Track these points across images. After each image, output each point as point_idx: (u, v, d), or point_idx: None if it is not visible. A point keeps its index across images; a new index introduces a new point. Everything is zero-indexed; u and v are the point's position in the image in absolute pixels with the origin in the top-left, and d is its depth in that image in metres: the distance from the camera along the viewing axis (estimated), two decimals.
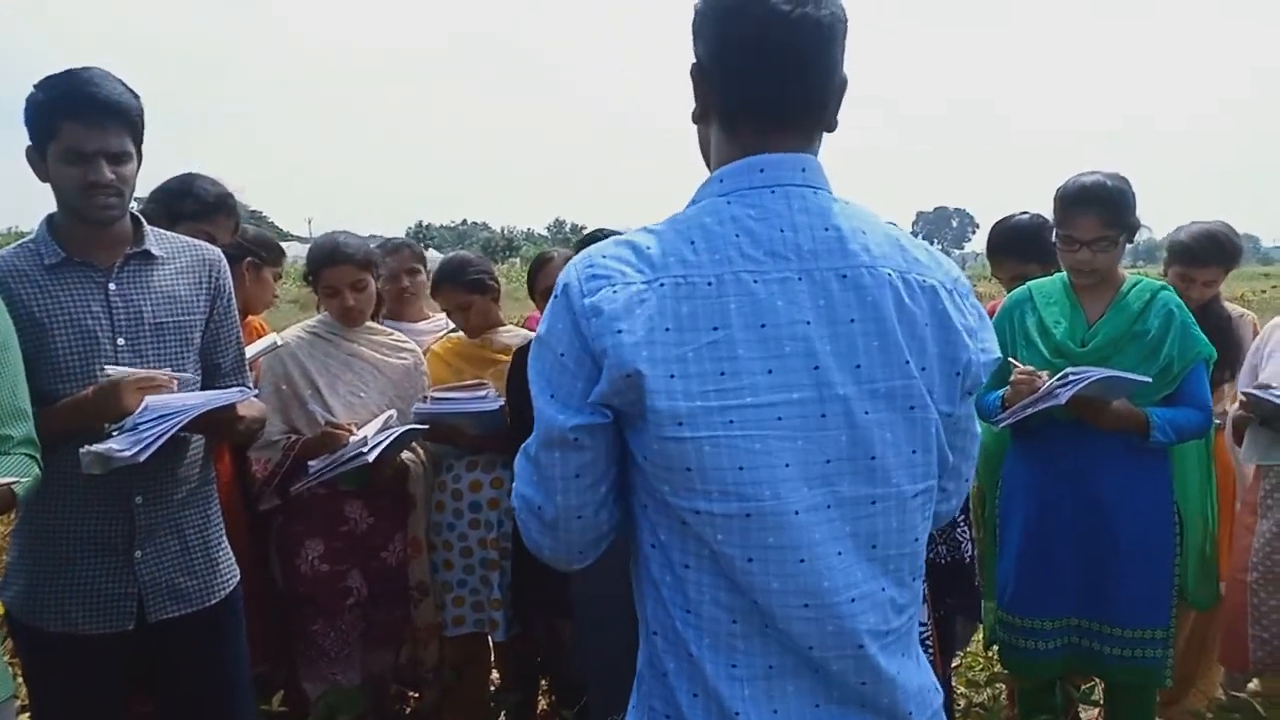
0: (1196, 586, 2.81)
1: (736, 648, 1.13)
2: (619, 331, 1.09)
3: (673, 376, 1.08)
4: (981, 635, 3.03)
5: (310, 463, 2.69)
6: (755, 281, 1.11)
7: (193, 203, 2.61)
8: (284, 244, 3.29)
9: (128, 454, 1.80)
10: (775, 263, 1.13)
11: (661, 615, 1.16)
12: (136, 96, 1.97)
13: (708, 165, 1.26)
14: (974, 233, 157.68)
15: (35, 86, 1.92)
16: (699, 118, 1.24)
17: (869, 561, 1.15)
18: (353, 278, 2.86)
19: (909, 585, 1.21)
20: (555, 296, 1.15)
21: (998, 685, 3.04)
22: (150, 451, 1.83)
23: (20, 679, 2.17)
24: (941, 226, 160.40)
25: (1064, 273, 2.79)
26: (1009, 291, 3.31)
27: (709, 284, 1.11)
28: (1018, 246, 3.21)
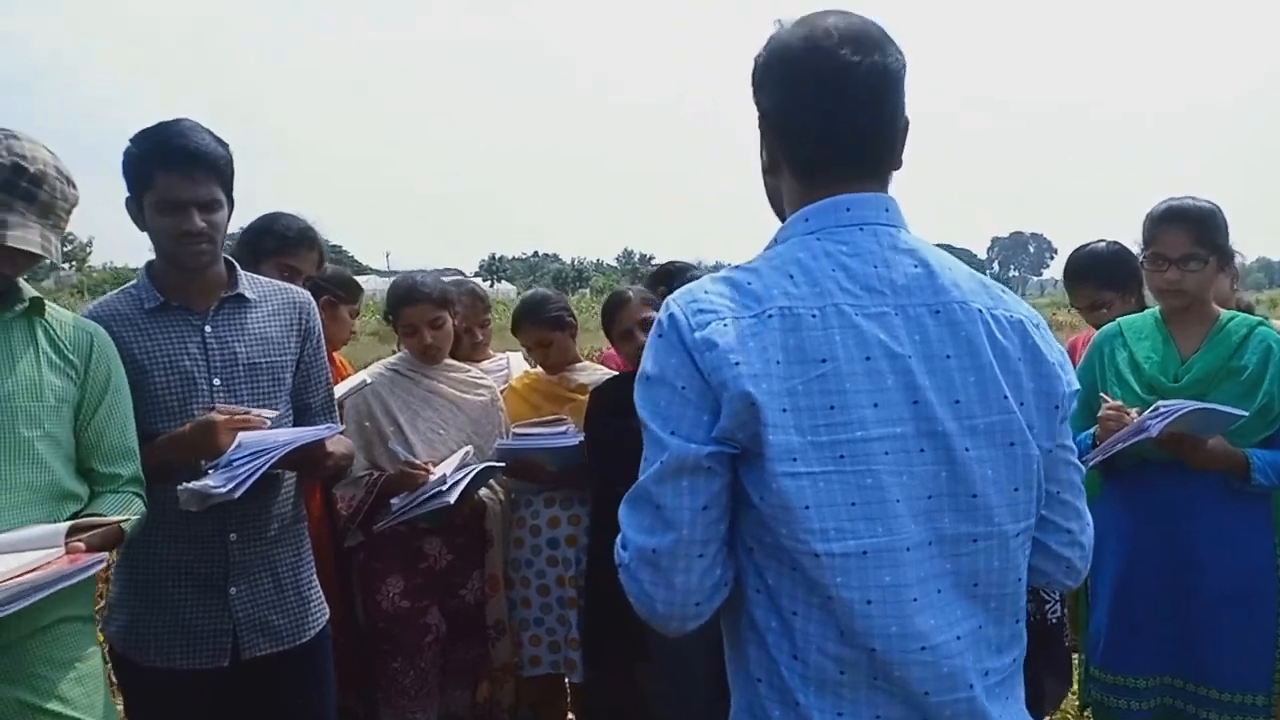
0: None
1: (843, 696, 1.12)
2: (736, 364, 1.09)
3: (785, 410, 1.08)
4: (1077, 691, 2.91)
5: (392, 501, 2.74)
6: (857, 315, 1.13)
7: (273, 239, 2.70)
8: (362, 277, 3.37)
9: (223, 490, 1.86)
10: (872, 297, 1.15)
11: (765, 660, 1.15)
12: (225, 146, 2.05)
13: (779, 215, 1.29)
14: (1052, 259, 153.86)
15: (130, 140, 2.01)
16: (769, 169, 1.27)
17: (969, 600, 1.15)
18: (430, 316, 2.92)
19: (1010, 625, 1.20)
20: (660, 334, 1.15)
21: None
22: (245, 488, 1.89)
23: (123, 709, 2.23)
24: (1018, 252, 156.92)
25: (1155, 308, 2.71)
26: (1086, 319, 3.32)
27: (813, 315, 1.12)
28: (1095, 273, 3.19)
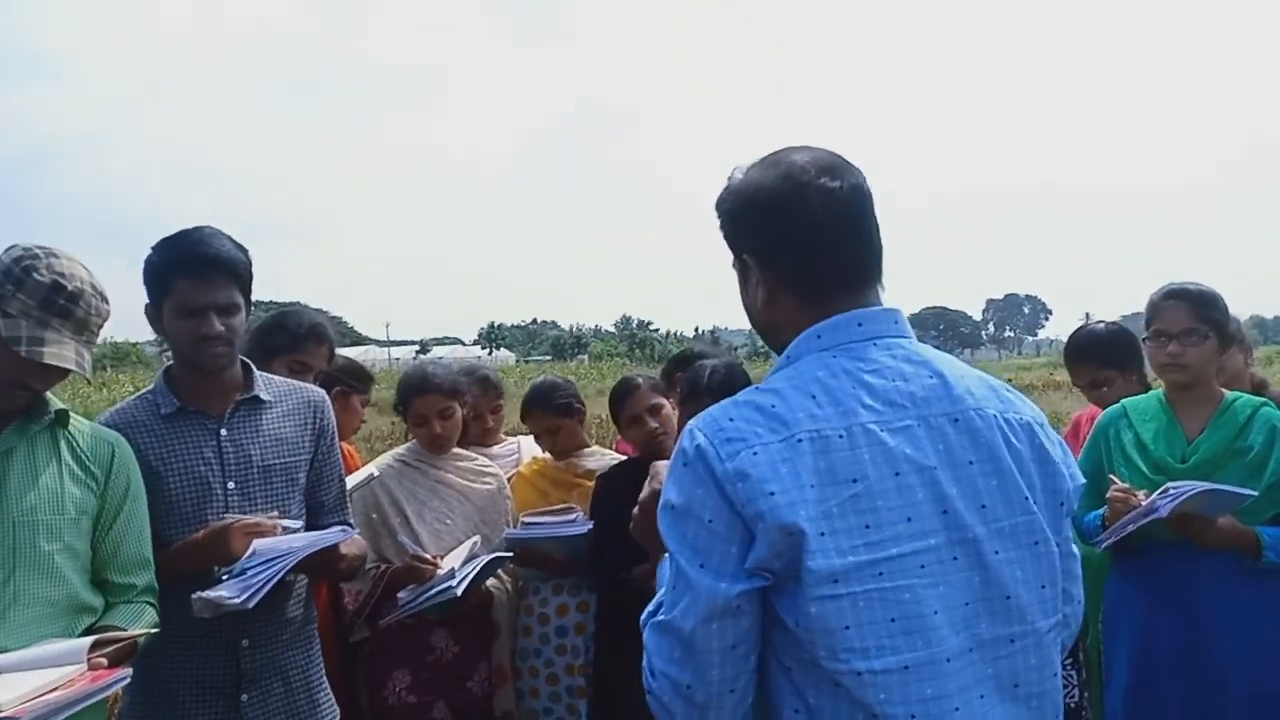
0: None
1: None
2: (771, 494, 1.09)
3: (823, 534, 1.08)
4: None
5: (399, 595, 2.73)
6: (882, 431, 1.14)
7: (284, 337, 2.73)
8: (361, 348, 3.39)
9: (237, 600, 1.85)
10: (895, 412, 1.17)
11: None
12: (244, 251, 2.09)
13: (773, 345, 1.32)
14: (1047, 319, 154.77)
15: (152, 248, 2.06)
16: (767, 301, 1.28)
17: (1013, 702, 1.17)
18: (440, 406, 2.95)
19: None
20: (685, 464, 1.14)
21: None
22: (259, 598, 1.89)
23: None
24: (1013, 313, 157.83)
25: (1159, 390, 2.75)
26: (1088, 398, 3.38)
27: (840, 437, 1.13)
28: (1095, 352, 3.28)
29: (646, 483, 1.43)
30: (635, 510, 1.42)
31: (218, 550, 1.94)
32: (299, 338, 2.73)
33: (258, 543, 1.95)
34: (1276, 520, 2.51)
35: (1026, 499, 1.20)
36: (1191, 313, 2.57)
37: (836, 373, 1.18)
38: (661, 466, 1.38)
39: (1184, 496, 2.36)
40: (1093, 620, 2.85)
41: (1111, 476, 2.57)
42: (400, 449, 3.10)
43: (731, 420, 1.15)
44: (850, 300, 1.24)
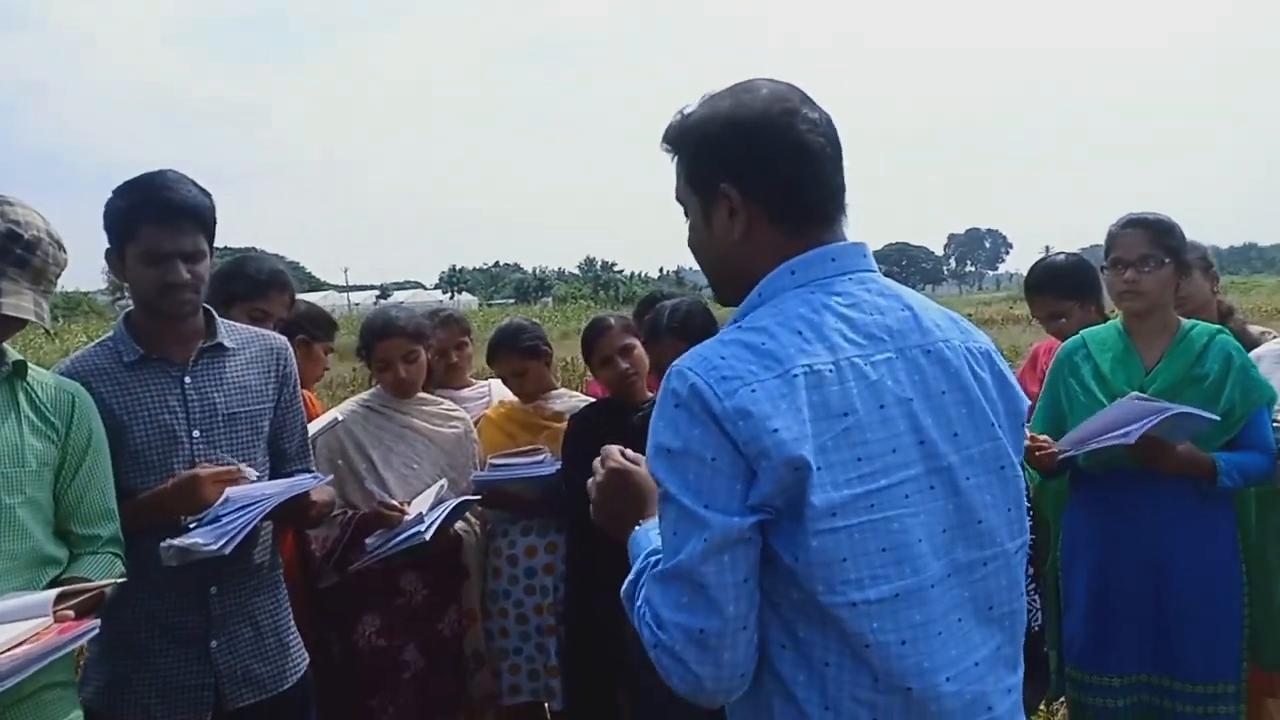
0: (1272, 646, 2.72)
1: None
2: (775, 430, 1.09)
3: (820, 469, 1.10)
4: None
5: (367, 540, 2.72)
6: (865, 365, 1.16)
7: (244, 284, 2.67)
8: (320, 293, 3.34)
9: (213, 547, 1.85)
10: (875, 345, 1.19)
11: (794, 714, 1.15)
12: (208, 195, 2.05)
13: (733, 286, 1.28)
14: (1008, 253, 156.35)
15: (114, 192, 1.99)
16: (745, 234, 1.24)
17: (987, 623, 1.22)
18: (404, 350, 2.92)
19: (1019, 640, 1.27)
20: (677, 405, 1.13)
21: None
22: (236, 543, 1.88)
23: None
24: (975, 248, 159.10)
25: (1117, 319, 2.78)
26: (1046, 329, 3.43)
27: (830, 371, 1.14)
28: (1053, 284, 3.31)
29: (597, 464, 1.38)
30: (594, 496, 1.38)
31: (188, 499, 1.93)
32: (259, 284, 2.68)
33: (231, 490, 1.94)
34: (1228, 446, 2.58)
35: (993, 425, 1.24)
36: (1149, 239, 2.60)
37: (817, 308, 1.18)
38: (612, 450, 1.38)
39: (1155, 421, 2.40)
40: (1051, 548, 2.92)
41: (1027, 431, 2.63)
42: (364, 394, 3.07)
43: (724, 359, 1.14)
44: (826, 232, 1.24)
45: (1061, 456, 2.59)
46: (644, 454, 1.23)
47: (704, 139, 1.25)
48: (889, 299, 1.23)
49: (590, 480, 1.39)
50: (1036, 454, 2.56)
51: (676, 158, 1.31)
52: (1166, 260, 2.60)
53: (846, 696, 1.12)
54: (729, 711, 1.24)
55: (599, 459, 1.39)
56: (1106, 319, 3.25)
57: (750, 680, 1.14)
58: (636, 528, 1.30)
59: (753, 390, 1.10)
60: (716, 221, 1.26)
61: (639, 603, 1.18)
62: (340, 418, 2.82)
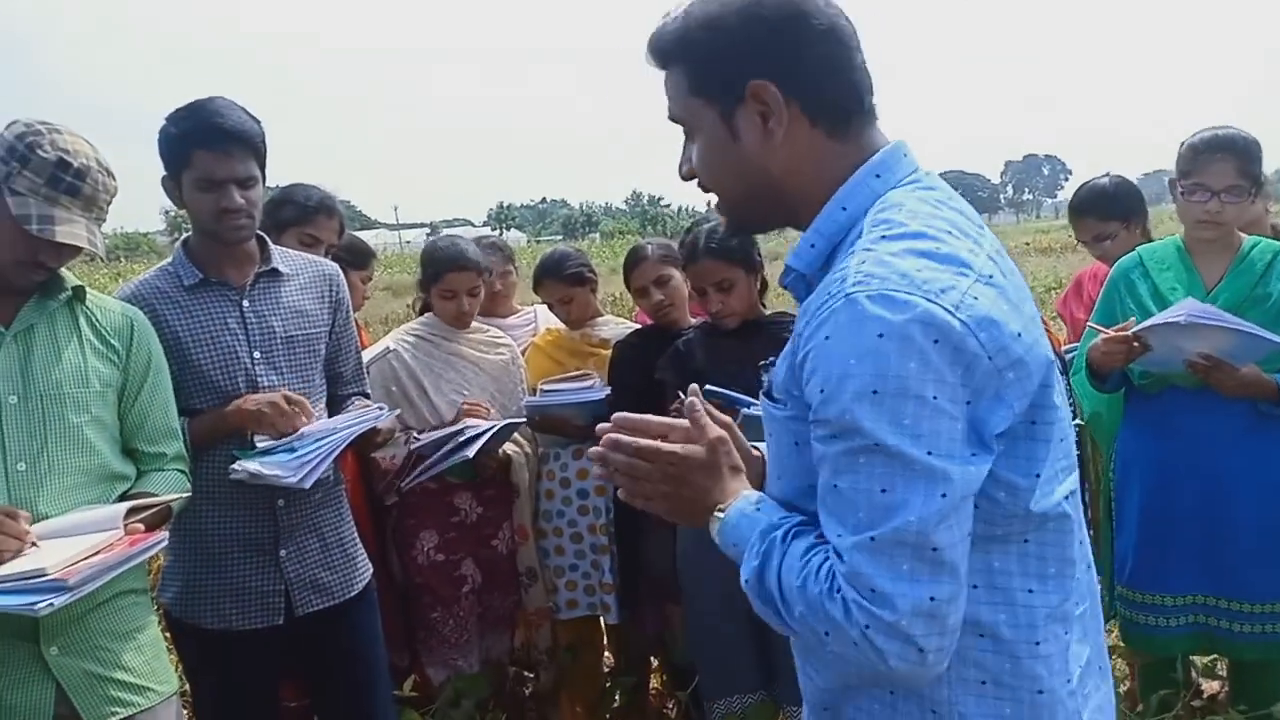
0: None
1: (1068, 659, 1.07)
2: (1019, 335, 0.98)
3: (1054, 366, 1.03)
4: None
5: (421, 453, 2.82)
6: (999, 259, 1.07)
7: (292, 209, 2.71)
8: (371, 231, 3.37)
9: (293, 480, 1.94)
10: (985, 236, 1.09)
11: (993, 663, 1.04)
12: (258, 122, 2.08)
13: (762, 208, 1.17)
14: (1066, 179, 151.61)
15: (167, 120, 2.04)
16: (788, 138, 1.10)
17: (1080, 529, 1.17)
18: (471, 283, 2.98)
19: None
20: (882, 334, 0.94)
21: (1112, 658, 2.99)
22: (315, 477, 1.98)
23: (181, 674, 2.33)
24: (1032, 175, 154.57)
25: (1175, 236, 2.70)
26: (1091, 252, 3.38)
27: (994, 267, 1.04)
28: (1098, 206, 3.27)
29: (687, 445, 1.15)
30: (669, 470, 1.15)
31: (259, 416, 2.00)
32: (308, 210, 2.72)
33: (305, 428, 2.03)
34: None
35: (1043, 321, 1.22)
36: (1237, 168, 2.46)
37: (937, 205, 1.06)
38: (703, 419, 1.16)
39: (1217, 323, 2.33)
40: (1105, 468, 2.90)
41: (1096, 327, 2.58)
42: (413, 323, 3.13)
43: (919, 271, 0.97)
44: (873, 130, 1.13)
45: (1136, 330, 2.44)
46: (689, 378, 1.10)
47: (718, 36, 1.09)
48: (954, 195, 1.14)
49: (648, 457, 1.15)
50: (1108, 341, 2.47)
51: (671, 70, 1.15)
52: (1251, 190, 2.50)
53: (1052, 619, 1.05)
54: (870, 678, 1.08)
55: (698, 429, 1.16)
56: (1149, 239, 3.18)
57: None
58: (719, 513, 1.11)
59: (976, 298, 0.96)
60: (745, 129, 1.11)
61: (817, 585, 0.98)
62: (392, 346, 2.89)
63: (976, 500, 0.98)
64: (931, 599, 0.94)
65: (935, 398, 0.93)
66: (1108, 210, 3.22)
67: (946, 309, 0.94)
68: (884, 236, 1.02)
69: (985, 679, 1.04)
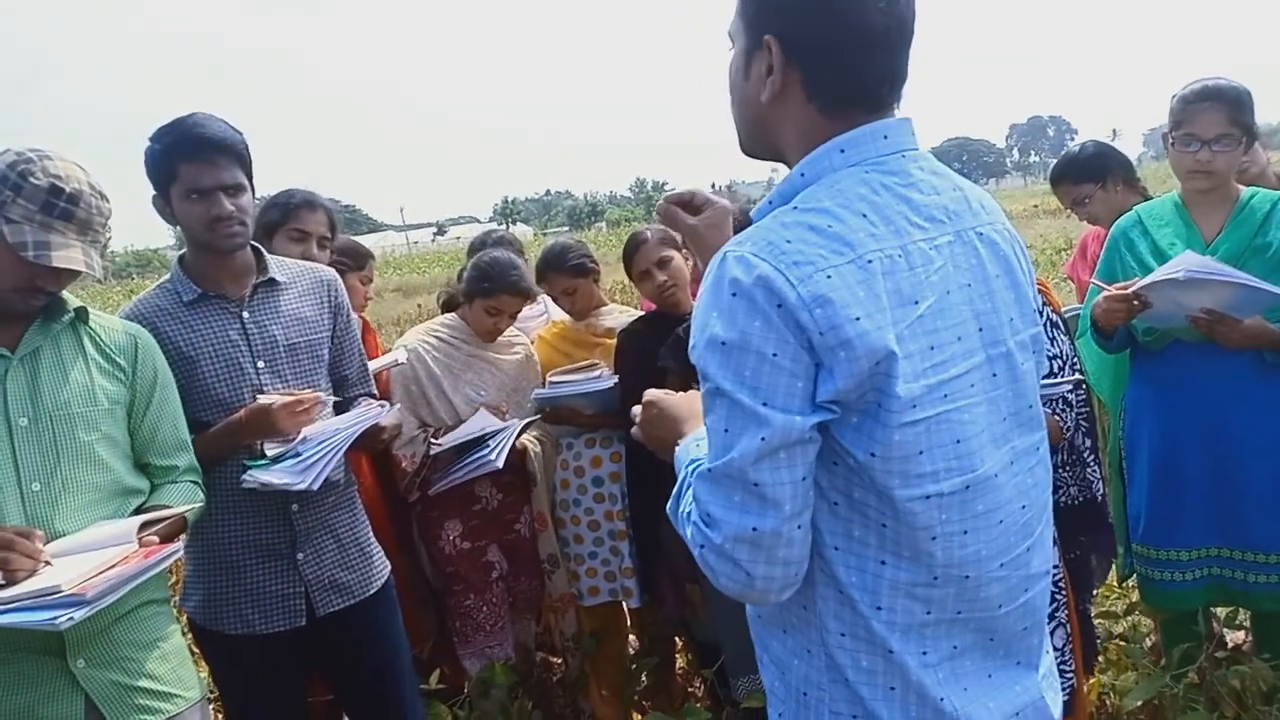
0: None
1: (925, 635, 1.13)
2: (857, 319, 1.02)
3: (901, 358, 1.05)
4: (1115, 569, 2.99)
5: (441, 469, 2.89)
6: (930, 249, 1.10)
7: (276, 210, 2.73)
8: (378, 234, 3.37)
9: (303, 484, 1.99)
10: (937, 228, 1.12)
11: (849, 617, 1.12)
12: (239, 132, 2.11)
13: (757, 143, 1.22)
14: (1072, 139, 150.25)
15: (150, 139, 2.06)
16: (774, 99, 1.15)
17: (1040, 508, 1.21)
18: (519, 308, 3.05)
19: (1051, 525, 1.27)
20: (735, 294, 1.03)
21: (1135, 616, 3.00)
22: (322, 479, 2.01)
23: (209, 679, 2.37)
24: (1037, 137, 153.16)
25: (1173, 193, 2.69)
26: (1078, 216, 3.45)
27: (900, 257, 1.07)
28: (1070, 171, 3.36)
29: (637, 410, 1.39)
30: (640, 435, 1.39)
31: (265, 426, 2.03)
32: (290, 207, 2.73)
33: (307, 430, 2.06)
34: None
35: (1034, 310, 1.23)
36: (1227, 116, 2.46)
37: (877, 189, 1.10)
38: (658, 396, 1.37)
39: (1217, 277, 2.33)
40: (1113, 427, 2.90)
41: (1097, 283, 2.60)
42: (434, 323, 3.16)
43: (790, 242, 1.04)
44: (869, 117, 1.14)
45: (1134, 289, 2.45)
46: (691, 366, 1.19)
47: None
48: (941, 178, 1.17)
49: (633, 424, 1.40)
50: (1109, 298, 2.48)
51: None
52: (1242, 139, 2.48)
53: (902, 594, 1.11)
54: (767, 616, 1.22)
55: (643, 404, 1.38)
56: (1144, 194, 3.20)
57: (801, 581, 1.10)
58: (677, 446, 1.28)
59: (829, 276, 1.02)
60: (754, 73, 1.16)
61: (684, 505, 1.15)
62: (401, 360, 2.92)
63: (834, 460, 1.08)
64: (754, 529, 1.04)
65: (775, 355, 1.02)
66: (1079, 175, 3.32)
67: (789, 280, 1.02)
68: (795, 207, 1.10)
69: (844, 631, 1.13)
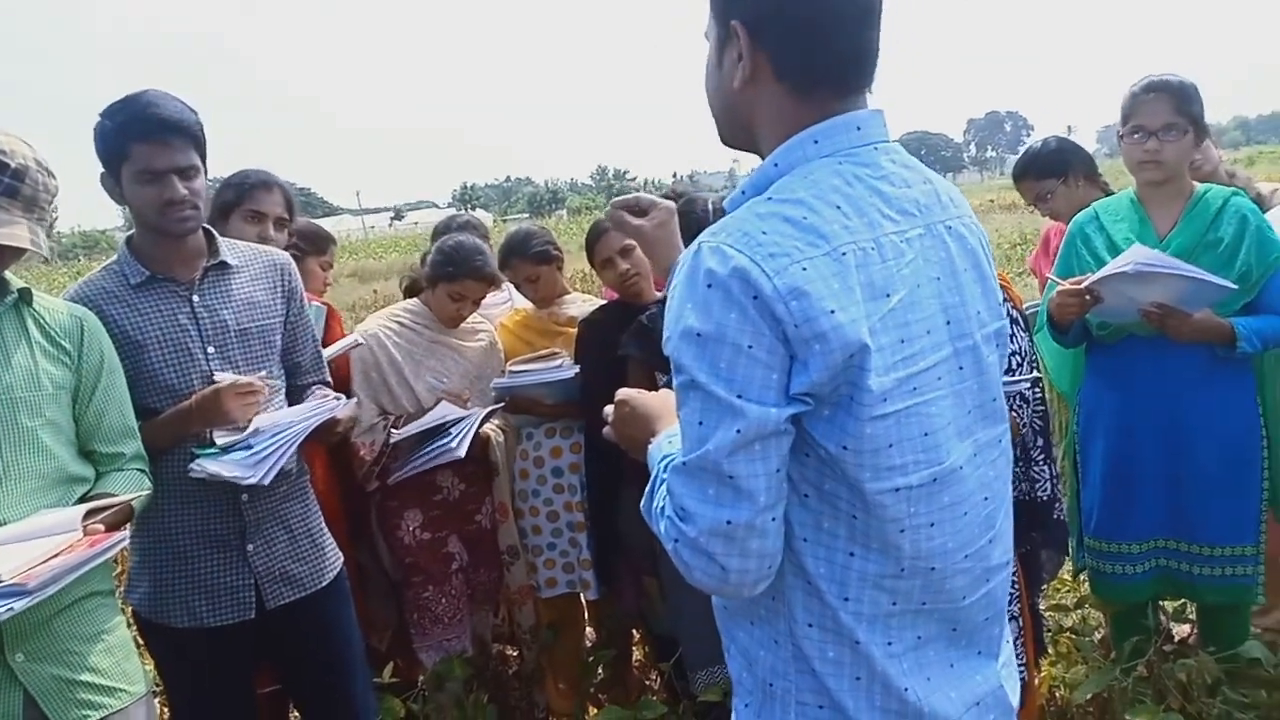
0: None
1: (891, 626, 1.14)
2: (832, 311, 1.02)
3: (873, 351, 1.05)
4: (1069, 562, 3.03)
5: (401, 457, 2.83)
6: (901, 242, 1.11)
7: (231, 190, 2.66)
8: (334, 218, 3.31)
9: (254, 479, 1.93)
10: (908, 220, 1.13)
11: (817, 608, 1.13)
12: (194, 112, 2.03)
13: (733, 131, 1.23)
14: (1029, 135, 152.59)
15: (101, 115, 1.98)
16: (745, 83, 1.15)
17: (1001, 500, 1.23)
18: (483, 294, 2.99)
19: (1012, 517, 1.29)
20: (710, 285, 1.03)
21: (1086, 609, 3.05)
22: (274, 473, 1.96)
23: (155, 673, 2.31)
24: (994, 132, 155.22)
25: (1129, 189, 2.74)
26: (1040, 212, 3.47)
27: (872, 249, 1.08)
28: (1031, 169, 3.39)
29: (609, 410, 1.39)
30: (613, 434, 1.39)
31: (212, 413, 1.98)
32: (245, 187, 2.65)
33: (259, 420, 2.00)
34: (1246, 309, 2.55)
35: (999, 303, 1.24)
36: (1172, 106, 2.53)
37: (851, 181, 1.10)
38: (630, 394, 1.36)
39: (1167, 270, 2.37)
40: (1069, 425, 2.94)
41: (1052, 278, 2.64)
42: (396, 308, 3.10)
43: (765, 234, 1.04)
44: (841, 101, 1.14)
45: (1087, 284, 2.49)
46: (654, 353, 1.20)
47: None
48: (912, 171, 1.17)
49: (605, 425, 1.39)
50: (1062, 293, 2.52)
51: None
52: (1189, 128, 2.54)
53: (869, 586, 1.12)
54: (734, 608, 1.23)
55: (616, 403, 1.37)
56: (1105, 190, 3.25)
57: (776, 571, 1.10)
58: (650, 444, 1.28)
59: (804, 268, 1.02)
60: (726, 61, 1.17)
61: (658, 501, 1.14)
62: (360, 341, 2.86)
63: (805, 452, 1.08)
64: (728, 522, 1.04)
65: (750, 347, 1.02)
66: (1041, 170, 3.34)
67: (765, 272, 1.02)
68: (769, 198, 1.10)
69: (812, 622, 1.14)
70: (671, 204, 1.50)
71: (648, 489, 1.19)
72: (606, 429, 1.39)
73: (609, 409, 1.39)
